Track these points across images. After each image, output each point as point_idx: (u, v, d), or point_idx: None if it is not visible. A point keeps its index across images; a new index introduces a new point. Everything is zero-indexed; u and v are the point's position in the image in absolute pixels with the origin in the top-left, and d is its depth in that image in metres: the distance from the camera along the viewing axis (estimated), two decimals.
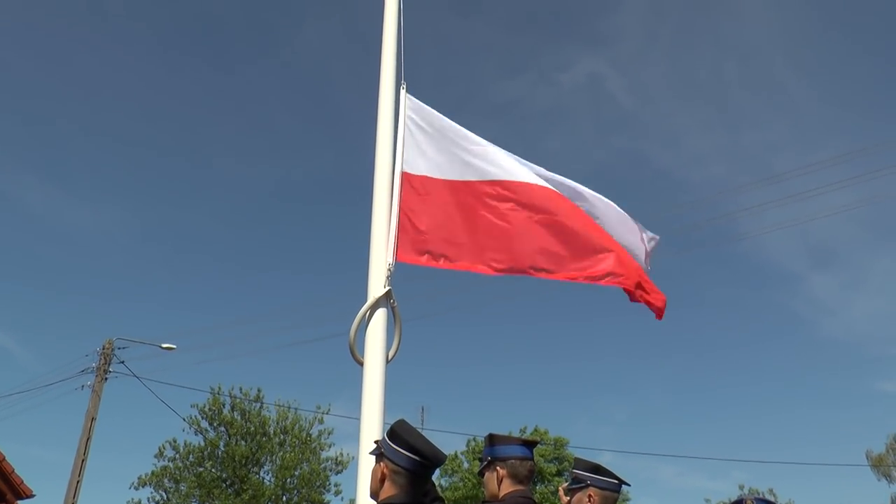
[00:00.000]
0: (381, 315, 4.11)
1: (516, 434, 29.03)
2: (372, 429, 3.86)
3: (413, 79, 4.97)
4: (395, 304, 4.19)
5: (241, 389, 25.58)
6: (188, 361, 50.27)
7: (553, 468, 29.23)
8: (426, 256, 4.53)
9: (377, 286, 4.16)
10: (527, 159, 5.03)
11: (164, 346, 24.08)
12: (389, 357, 4.11)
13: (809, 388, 52.28)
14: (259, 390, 25.71)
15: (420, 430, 3.02)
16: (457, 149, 4.87)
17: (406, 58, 4.95)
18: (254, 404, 25.46)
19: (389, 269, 4.23)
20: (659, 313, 4.88)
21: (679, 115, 66.53)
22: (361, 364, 4.00)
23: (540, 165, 5.04)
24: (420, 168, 4.77)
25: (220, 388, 25.47)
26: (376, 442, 3.04)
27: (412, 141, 4.80)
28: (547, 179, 4.94)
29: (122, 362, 24.32)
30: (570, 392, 50.47)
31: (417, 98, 4.95)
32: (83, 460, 20.56)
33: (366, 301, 4.11)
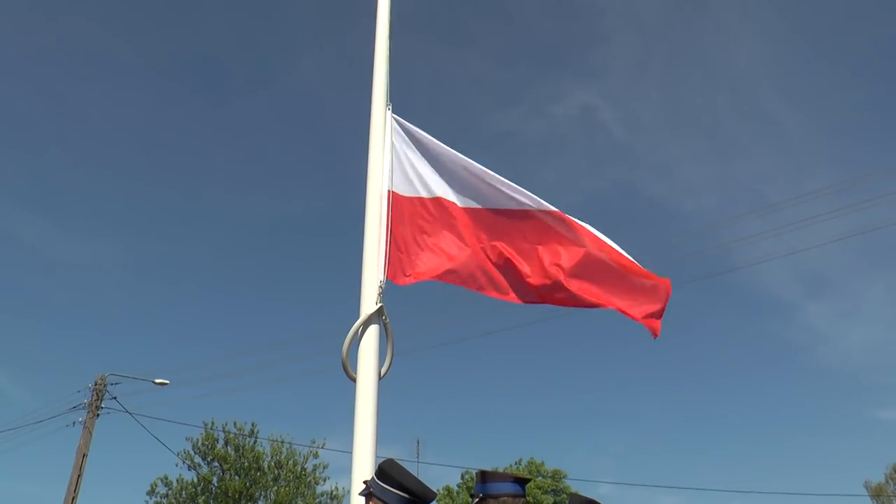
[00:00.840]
0: (373, 331, 4.13)
1: (510, 467, 28.80)
2: (365, 446, 3.85)
3: (406, 111, 5.05)
4: (388, 320, 4.21)
5: (235, 424, 25.37)
6: (182, 396, 49.90)
7: (550, 500, 28.94)
8: (411, 277, 4.60)
9: (369, 303, 4.19)
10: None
11: (157, 381, 23.90)
12: (382, 373, 4.13)
13: (807, 417, 52.08)
14: (253, 424, 25.49)
15: (416, 463, 3.04)
16: (443, 167, 4.93)
17: (400, 90, 5.05)
18: (248, 439, 25.21)
19: (381, 287, 4.26)
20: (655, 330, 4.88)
21: (671, 146, 67.24)
22: (354, 380, 4.01)
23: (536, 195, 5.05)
24: (408, 189, 4.84)
25: (213, 422, 25.25)
26: (365, 482, 3.04)
27: (398, 162, 4.87)
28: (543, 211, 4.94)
29: (115, 398, 24.11)
30: (568, 423, 50.22)
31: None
32: (74, 497, 20.27)
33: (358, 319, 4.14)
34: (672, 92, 67.38)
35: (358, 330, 4.10)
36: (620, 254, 4.80)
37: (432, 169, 4.94)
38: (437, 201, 4.87)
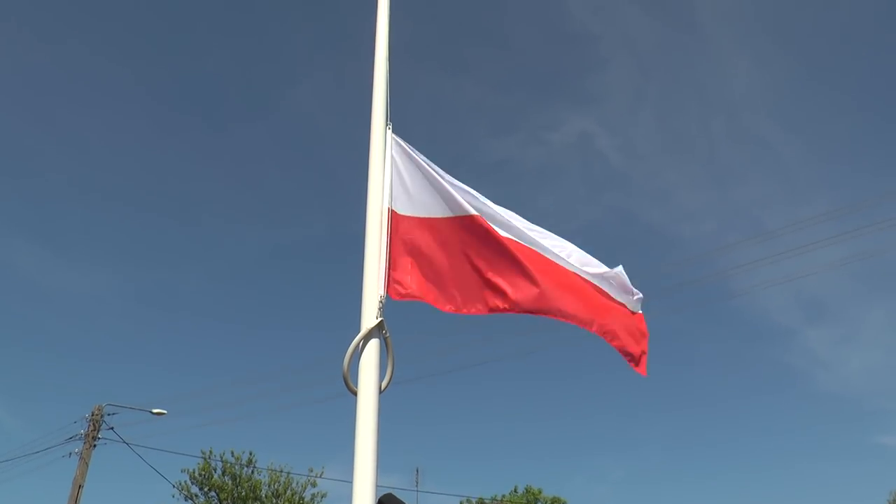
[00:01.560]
0: (373, 345, 4.16)
1: (507, 496, 28.56)
2: (366, 459, 3.86)
3: (404, 138, 5.13)
4: (388, 335, 4.24)
5: (232, 453, 25.19)
6: (180, 426, 49.52)
7: None
8: (408, 294, 4.69)
9: (370, 317, 4.23)
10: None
11: (155, 411, 23.78)
12: (382, 387, 4.15)
13: (808, 444, 51.90)
14: (251, 454, 25.34)
15: (415, 493, 3.06)
16: (439, 187, 5.03)
17: (397, 117, 5.09)
18: (245, 468, 25.02)
19: (381, 301, 4.30)
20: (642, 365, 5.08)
21: (668, 172, 67.79)
22: (355, 393, 4.03)
23: (533, 223, 5.16)
24: (407, 208, 4.92)
25: (210, 452, 25.08)
26: None
27: (398, 180, 4.96)
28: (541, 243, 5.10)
29: (112, 428, 23.95)
30: (566, 450, 49.95)
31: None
32: None
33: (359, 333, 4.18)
34: (668, 118, 68.15)
35: (359, 344, 4.13)
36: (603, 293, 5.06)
37: (431, 189, 5.03)
38: (431, 221, 4.97)
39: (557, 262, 5.10)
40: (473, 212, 4.94)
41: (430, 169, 5.04)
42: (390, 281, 4.56)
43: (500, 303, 4.84)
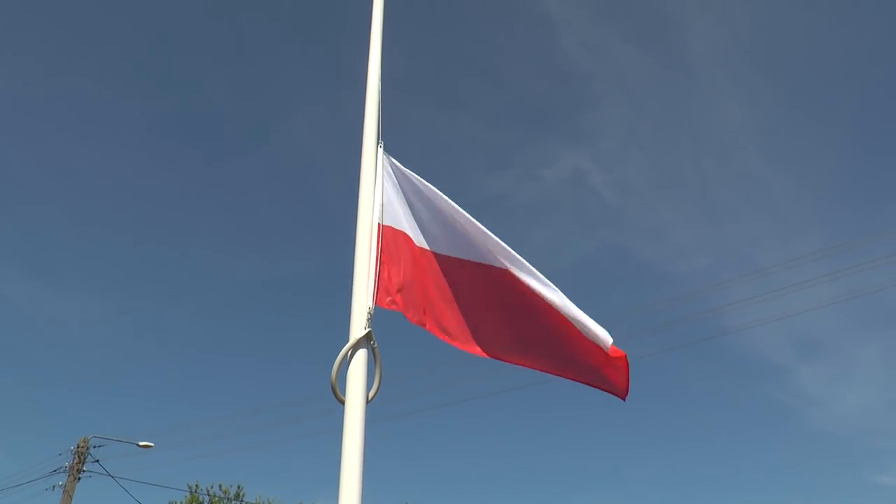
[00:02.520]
0: (361, 355, 4.19)
1: None
2: (352, 468, 3.86)
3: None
4: (376, 345, 4.28)
5: (220, 487, 24.85)
6: (168, 459, 48.81)
7: None
8: (391, 302, 4.76)
9: (358, 328, 4.27)
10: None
11: (142, 444, 23.49)
12: (370, 397, 4.18)
13: (803, 483, 51.45)
14: (239, 487, 25.03)
15: None
16: (428, 216, 5.13)
17: (391, 151, 5.20)
18: (233, 502, 24.67)
19: (370, 312, 4.35)
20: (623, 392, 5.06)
21: (661, 209, 68.19)
22: (343, 403, 4.06)
23: (526, 259, 5.10)
24: (394, 222, 5.01)
25: (197, 485, 24.74)
26: None
27: (388, 198, 5.05)
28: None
29: (97, 461, 23.61)
30: (557, 486, 49.34)
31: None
32: None
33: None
34: (661, 155, 68.81)
35: (347, 353, 4.17)
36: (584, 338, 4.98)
37: (425, 213, 5.13)
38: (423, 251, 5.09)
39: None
40: (503, 265, 5.00)
41: (425, 192, 5.10)
42: (379, 291, 4.60)
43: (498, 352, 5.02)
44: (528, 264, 5.02)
